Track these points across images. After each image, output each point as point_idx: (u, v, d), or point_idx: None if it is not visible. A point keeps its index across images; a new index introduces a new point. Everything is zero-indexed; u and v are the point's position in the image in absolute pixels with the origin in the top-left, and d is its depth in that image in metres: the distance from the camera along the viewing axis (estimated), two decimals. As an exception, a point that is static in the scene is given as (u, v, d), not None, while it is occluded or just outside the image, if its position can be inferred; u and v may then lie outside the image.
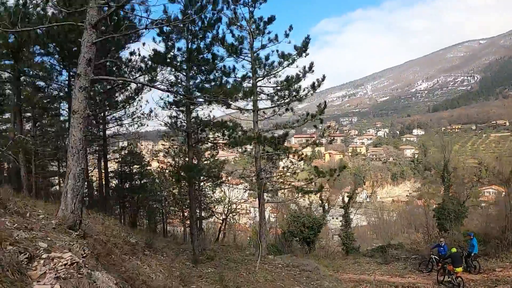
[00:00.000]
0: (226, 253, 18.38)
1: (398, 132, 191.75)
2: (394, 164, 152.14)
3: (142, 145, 30.75)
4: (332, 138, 18.27)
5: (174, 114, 15.98)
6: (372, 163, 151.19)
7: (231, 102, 15.28)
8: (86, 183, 8.23)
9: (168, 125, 16.30)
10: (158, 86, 8.98)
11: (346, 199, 31.19)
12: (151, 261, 11.07)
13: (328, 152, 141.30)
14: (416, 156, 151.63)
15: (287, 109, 18.71)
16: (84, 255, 6.00)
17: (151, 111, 21.49)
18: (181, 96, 8.99)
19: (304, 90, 18.52)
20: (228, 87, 14.02)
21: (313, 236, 26.52)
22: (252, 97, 17.13)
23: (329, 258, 24.90)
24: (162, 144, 27.29)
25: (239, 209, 34.65)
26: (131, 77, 16.33)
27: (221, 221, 30.79)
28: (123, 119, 23.54)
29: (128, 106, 22.46)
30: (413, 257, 22.30)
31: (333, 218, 51.32)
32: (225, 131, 15.45)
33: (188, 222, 28.25)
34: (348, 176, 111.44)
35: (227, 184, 32.12)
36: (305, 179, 18.63)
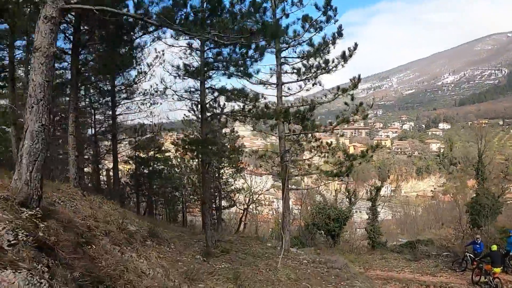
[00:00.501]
0: (245, 246, 16.08)
1: (423, 125, 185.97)
2: (419, 158, 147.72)
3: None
4: (366, 114, 15.85)
5: (187, 86, 13.97)
6: (397, 157, 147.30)
7: (253, 74, 13.32)
8: (48, 145, 5.90)
9: (181, 97, 14.20)
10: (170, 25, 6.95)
11: (374, 191, 29.05)
12: (151, 254, 9.01)
13: (353, 145, 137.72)
14: (441, 151, 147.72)
15: (314, 83, 16.45)
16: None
17: (165, 88, 19.46)
18: (194, 34, 6.99)
19: (333, 62, 16.19)
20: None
21: (339, 229, 25.11)
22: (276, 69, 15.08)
23: (354, 252, 23.49)
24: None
25: (261, 199, 33.44)
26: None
27: (242, 211, 29.33)
28: (134, 96, 21.64)
29: (139, 81, 20.47)
30: (445, 254, 20.73)
31: (356, 212, 49.62)
32: (245, 100, 13.22)
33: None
34: (372, 169, 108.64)
35: (248, 173, 30.57)
36: (334, 163, 16.44)
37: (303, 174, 17.64)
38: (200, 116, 13.56)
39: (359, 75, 15.92)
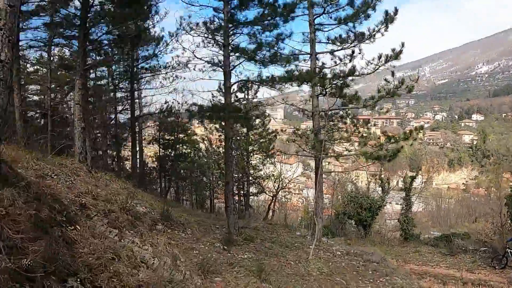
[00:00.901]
0: (272, 233, 14.53)
1: (456, 116, 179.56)
2: (451, 150, 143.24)
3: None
4: (412, 85, 13.86)
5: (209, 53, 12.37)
6: (428, 148, 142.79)
7: (283, 37, 11.53)
8: (11, 91, 4.32)
9: (204, 68, 12.63)
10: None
11: (408, 181, 27.18)
12: (159, 239, 7.53)
13: (384, 134, 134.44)
14: (474, 143, 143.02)
15: (352, 56, 14.53)
16: None
17: (188, 61, 17.91)
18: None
19: (373, 31, 14.29)
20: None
21: (371, 219, 23.84)
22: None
23: (386, 244, 21.86)
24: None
25: (291, 187, 32.35)
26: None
27: (271, 197, 28.00)
28: (156, 69, 20.16)
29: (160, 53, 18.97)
30: (483, 250, 19.13)
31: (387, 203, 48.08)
32: (274, 60, 11.40)
33: (236, 198, 25.51)
34: (404, 160, 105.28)
35: (278, 161, 29.33)
36: (373, 144, 14.62)
37: (338, 156, 15.79)
38: (224, 82, 11.86)
39: (403, 43, 13.96)
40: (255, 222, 17.83)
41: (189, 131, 26.14)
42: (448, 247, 19.94)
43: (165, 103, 22.47)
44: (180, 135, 24.99)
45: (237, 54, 11.69)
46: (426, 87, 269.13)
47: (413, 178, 27.88)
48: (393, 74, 14.65)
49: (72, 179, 7.88)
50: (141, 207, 9.31)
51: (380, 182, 27.38)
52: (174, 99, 23.62)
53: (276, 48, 11.55)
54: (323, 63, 15.49)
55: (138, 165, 23.57)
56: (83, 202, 6.61)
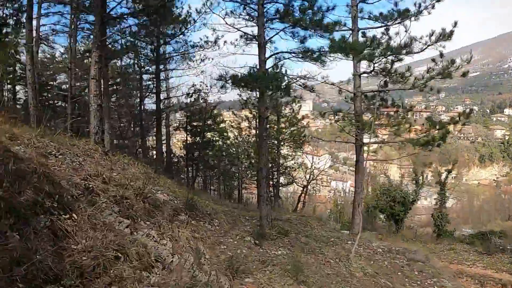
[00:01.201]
0: (305, 227, 13.20)
1: (488, 110, 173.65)
2: (482, 145, 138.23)
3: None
4: (467, 70, 12.28)
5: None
6: (459, 142, 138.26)
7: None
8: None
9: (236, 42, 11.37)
10: None
11: (444, 174, 25.76)
12: (181, 232, 6.38)
13: (428, 120, 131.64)
14: (506, 138, 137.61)
15: (404, 27, 12.92)
16: None
17: (217, 38, 16.60)
18: None
19: (419, 7, 12.72)
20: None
21: (403, 213, 22.88)
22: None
23: (418, 240, 20.37)
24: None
25: (320, 179, 31.44)
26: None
27: (301, 188, 27.00)
28: (183, 49, 18.84)
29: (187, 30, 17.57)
30: None
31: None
32: (316, 28, 9.96)
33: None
34: (436, 153, 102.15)
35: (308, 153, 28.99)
36: (419, 130, 13.08)
37: (381, 143, 14.21)
38: (258, 56, 10.49)
39: (456, 21, 12.31)
40: (285, 214, 16.62)
41: (217, 119, 24.90)
42: (485, 246, 18.71)
43: (193, 86, 21.17)
44: (208, 122, 23.83)
45: (276, 20, 10.36)
46: (457, 80, 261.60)
47: (449, 172, 26.34)
48: (441, 55, 13.11)
49: (81, 159, 6.75)
50: (162, 194, 8.12)
51: (414, 175, 26.05)
52: (201, 82, 22.18)
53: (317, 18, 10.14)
54: (365, 39, 13.97)
55: (164, 152, 22.70)
56: (89, 186, 5.47)
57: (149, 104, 22.62)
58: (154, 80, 19.63)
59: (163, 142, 22.02)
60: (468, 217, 48.43)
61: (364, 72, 12.85)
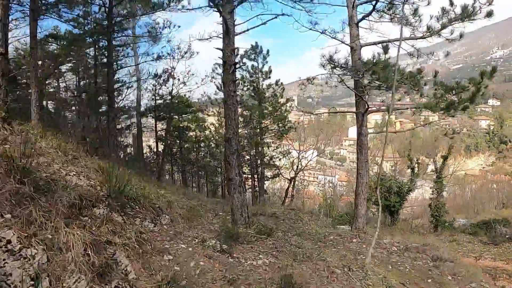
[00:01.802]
0: (296, 222, 10.65)
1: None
2: (467, 136, 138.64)
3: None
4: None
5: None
6: (440, 132, 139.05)
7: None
8: None
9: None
10: None
11: (440, 161, 24.76)
12: (84, 235, 3.91)
13: (399, 121, 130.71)
14: (491, 128, 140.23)
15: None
16: None
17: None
18: None
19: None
20: None
21: (399, 204, 21.52)
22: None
23: (416, 233, 18.90)
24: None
25: (308, 170, 31.14)
26: None
27: (288, 181, 25.31)
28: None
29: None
30: None
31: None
32: None
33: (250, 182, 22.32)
34: (420, 146, 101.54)
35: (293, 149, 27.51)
36: (433, 95, 10.67)
37: (387, 109, 11.59)
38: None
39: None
40: (271, 208, 14.10)
41: (187, 102, 22.33)
42: (490, 236, 18.23)
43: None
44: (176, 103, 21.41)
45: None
46: (440, 72, 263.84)
47: (445, 158, 25.14)
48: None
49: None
50: (78, 178, 5.58)
51: (409, 163, 25.05)
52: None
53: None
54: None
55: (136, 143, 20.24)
56: None
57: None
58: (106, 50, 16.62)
59: (132, 131, 19.45)
60: (460, 207, 47.52)
61: (363, 19, 10.28)
